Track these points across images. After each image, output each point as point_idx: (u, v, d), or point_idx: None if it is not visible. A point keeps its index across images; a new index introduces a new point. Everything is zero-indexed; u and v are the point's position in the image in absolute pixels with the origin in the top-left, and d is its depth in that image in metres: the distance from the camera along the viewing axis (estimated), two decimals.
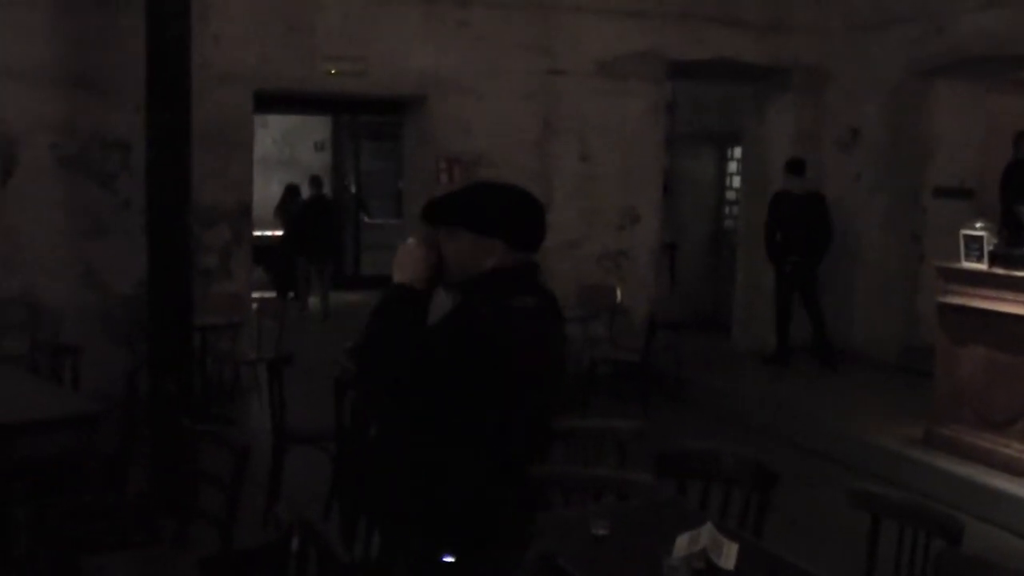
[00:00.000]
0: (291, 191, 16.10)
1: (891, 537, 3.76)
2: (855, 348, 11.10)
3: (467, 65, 10.11)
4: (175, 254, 6.97)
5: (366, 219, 18.03)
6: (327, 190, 16.68)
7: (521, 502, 3.07)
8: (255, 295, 10.35)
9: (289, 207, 15.85)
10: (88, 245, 8.94)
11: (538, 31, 10.38)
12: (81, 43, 8.79)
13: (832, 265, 11.28)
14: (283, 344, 9.19)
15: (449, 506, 2.92)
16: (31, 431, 5.28)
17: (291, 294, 15.27)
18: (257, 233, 12.11)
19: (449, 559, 2.91)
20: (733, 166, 14.03)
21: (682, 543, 3.43)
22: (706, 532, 3.47)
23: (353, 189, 18.26)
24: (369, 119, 17.29)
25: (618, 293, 10.40)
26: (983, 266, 7.28)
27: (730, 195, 14.14)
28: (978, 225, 7.45)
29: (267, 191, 15.70)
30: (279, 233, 15.97)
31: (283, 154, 18.22)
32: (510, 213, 3.07)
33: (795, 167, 10.73)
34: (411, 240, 3.09)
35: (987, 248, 7.25)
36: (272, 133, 17.54)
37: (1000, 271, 7.17)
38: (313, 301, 15.06)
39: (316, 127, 18.34)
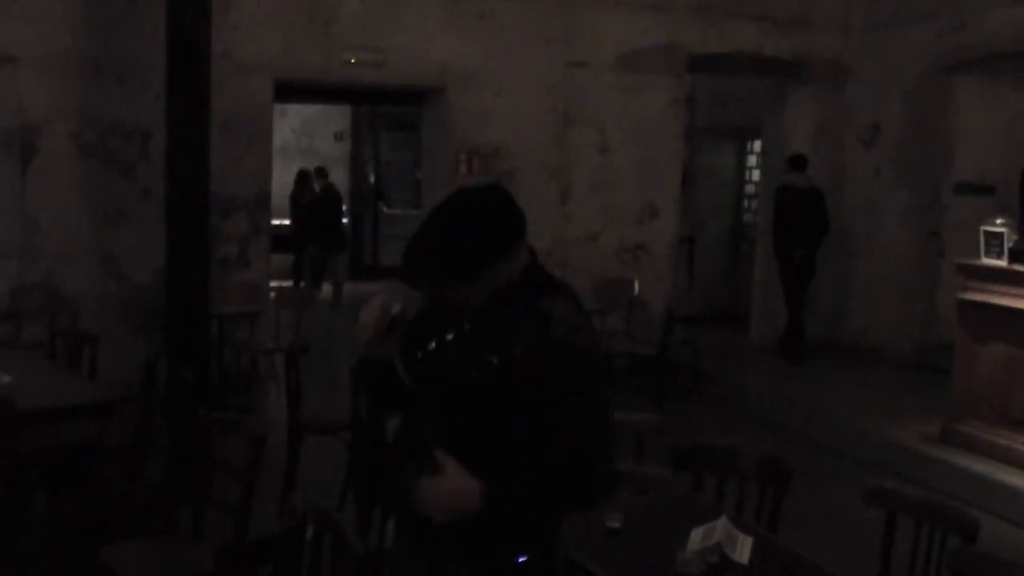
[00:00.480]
0: (302, 177, 16.09)
1: (907, 534, 3.74)
2: (873, 344, 11.07)
3: (487, 57, 10.09)
4: (193, 243, 7.01)
5: (385, 209, 18.04)
6: (345, 180, 16.68)
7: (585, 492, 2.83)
8: (273, 284, 10.36)
9: (300, 196, 15.86)
10: (107, 233, 8.96)
11: (559, 23, 10.36)
12: (101, 31, 8.80)
13: (850, 261, 11.27)
14: (300, 334, 9.21)
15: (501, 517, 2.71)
16: (49, 419, 5.31)
17: (301, 283, 15.31)
18: (275, 223, 12.13)
19: (523, 559, 2.77)
20: (752, 160, 14.00)
21: (696, 537, 3.43)
22: (721, 526, 3.46)
23: (372, 179, 18.26)
24: (389, 109, 17.28)
25: (636, 286, 10.39)
26: (1003, 263, 7.24)
27: (749, 189, 14.11)
28: (998, 221, 7.40)
29: (286, 181, 15.71)
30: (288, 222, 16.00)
31: (302, 144, 18.23)
32: (492, 236, 2.76)
33: (797, 162, 10.86)
34: (377, 301, 2.88)
35: (1007, 245, 7.21)
36: (291, 123, 17.56)
37: (1020, 268, 7.13)
38: (328, 290, 15.14)
39: (335, 117, 18.33)
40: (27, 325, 8.28)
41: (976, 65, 10.21)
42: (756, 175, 13.63)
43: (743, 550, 3.40)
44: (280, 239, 13.03)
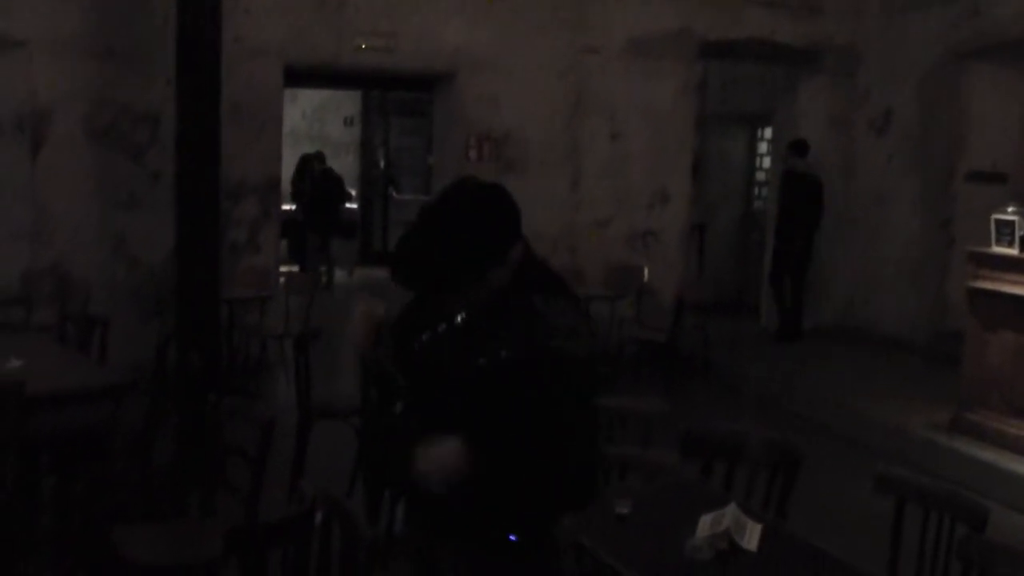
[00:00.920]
0: (304, 162, 16.06)
1: (915, 522, 3.74)
2: (883, 332, 11.05)
3: (498, 43, 10.07)
4: (204, 228, 7.00)
5: (395, 195, 18.02)
6: (355, 165, 16.62)
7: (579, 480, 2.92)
8: (282, 269, 10.38)
9: (301, 181, 15.85)
10: (117, 217, 8.97)
11: (570, 9, 10.34)
12: (112, 15, 8.80)
13: (861, 248, 11.24)
14: (310, 319, 9.21)
15: (503, 498, 2.79)
16: (59, 402, 5.32)
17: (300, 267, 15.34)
18: (286, 208, 12.12)
19: (513, 538, 2.84)
20: (764, 147, 13.96)
21: (705, 523, 3.43)
22: (730, 513, 3.46)
23: (382, 165, 18.25)
24: (399, 95, 17.26)
25: (646, 273, 10.37)
26: (1014, 251, 7.21)
27: (760, 177, 14.08)
28: (1010, 210, 7.37)
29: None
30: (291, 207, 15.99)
31: (312, 129, 18.22)
32: (488, 240, 2.75)
33: (799, 148, 10.99)
34: (361, 308, 2.96)
35: (1019, 233, 7.18)
36: (302, 108, 17.54)
37: None
38: (340, 275, 15.16)
39: (346, 102, 18.31)
40: (37, 309, 8.29)
41: (989, 52, 10.16)
42: (767, 162, 13.61)
43: (752, 537, 3.40)
44: (287, 224, 13.04)
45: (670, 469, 4.22)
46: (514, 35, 10.12)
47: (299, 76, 10.28)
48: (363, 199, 17.81)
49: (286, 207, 15.75)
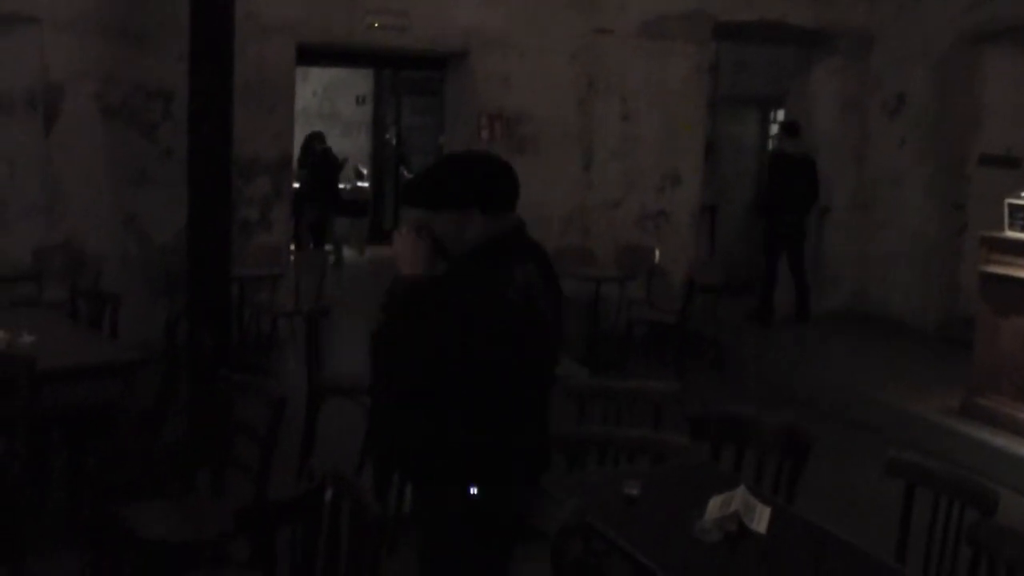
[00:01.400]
0: (309, 141, 16.02)
1: (925, 506, 3.74)
2: (895, 317, 11.03)
3: (511, 22, 10.04)
4: (215, 205, 7.00)
5: (406, 174, 18.01)
6: (366, 144, 16.54)
7: (531, 445, 3.26)
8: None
9: (305, 160, 15.84)
10: (130, 194, 8.98)
11: None
12: None
13: (873, 232, 11.21)
14: (321, 297, 9.23)
15: (462, 449, 3.13)
16: (70, 378, 5.34)
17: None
18: (296, 186, 12.10)
19: (474, 490, 3.12)
20: (775, 129, 13.89)
21: (715, 505, 3.43)
22: (739, 495, 3.46)
23: (394, 144, 18.23)
24: (411, 74, 17.23)
25: (657, 254, 10.36)
26: None
27: None
28: (1023, 194, 7.35)
29: None
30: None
31: (324, 108, 18.20)
32: (475, 180, 3.19)
33: (791, 128, 11.07)
34: (403, 229, 3.20)
35: None
36: (313, 86, 17.51)
37: None
38: (350, 254, 15.16)
39: (357, 81, 18.29)
40: (49, 285, 8.32)
41: (1004, 36, 10.09)
42: None
43: (761, 520, 3.40)
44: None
45: (680, 451, 4.22)
46: (527, 15, 10.09)
47: (311, 54, 10.26)
48: (374, 178, 17.80)
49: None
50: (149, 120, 8.98)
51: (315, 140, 15.24)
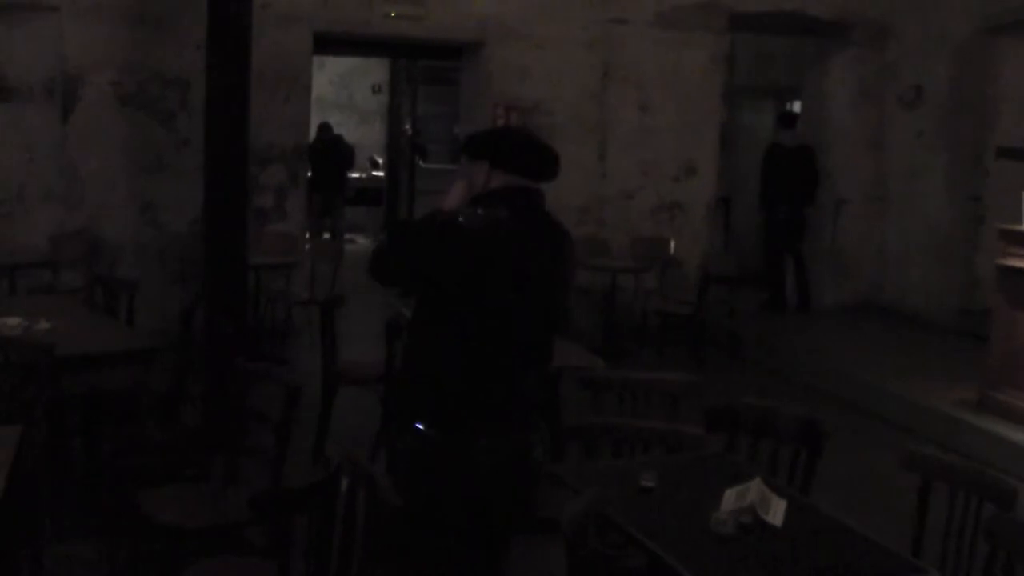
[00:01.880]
0: (321, 130, 16.02)
1: (941, 500, 3.72)
2: (911, 309, 10.99)
3: (527, 12, 10.03)
4: (232, 193, 7.00)
5: (421, 163, 17.99)
6: (382, 133, 16.49)
7: (484, 392, 3.39)
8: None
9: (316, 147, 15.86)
10: (146, 182, 9.01)
11: None
12: None
13: (889, 224, 11.18)
14: (336, 285, 9.23)
15: (421, 384, 3.44)
16: (88, 364, 5.35)
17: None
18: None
19: (419, 426, 3.38)
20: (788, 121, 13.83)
21: (730, 497, 3.43)
22: (755, 487, 3.46)
23: (410, 133, 18.21)
24: (427, 63, 17.18)
25: (672, 245, 10.35)
26: None
27: None
28: None
29: None
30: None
31: (340, 96, 18.20)
32: (494, 140, 3.62)
33: (786, 120, 11.28)
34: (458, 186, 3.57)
35: None
36: (329, 75, 17.50)
37: None
38: (365, 243, 15.18)
39: (373, 70, 18.28)
40: (66, 272, 8.35)
41: (1023, 26, 10.03)
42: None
43: (776, 512, 3.40)
44: None
45: (695, 442, 4.21)
46: (543, 4, 10.08)
47: (328, 43, 10.27)
48: (390, 168, 17.79)
49: None
50: (166, 108, 9.02)
51: (320, 130, 15.27)
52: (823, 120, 11.55)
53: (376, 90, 18.55)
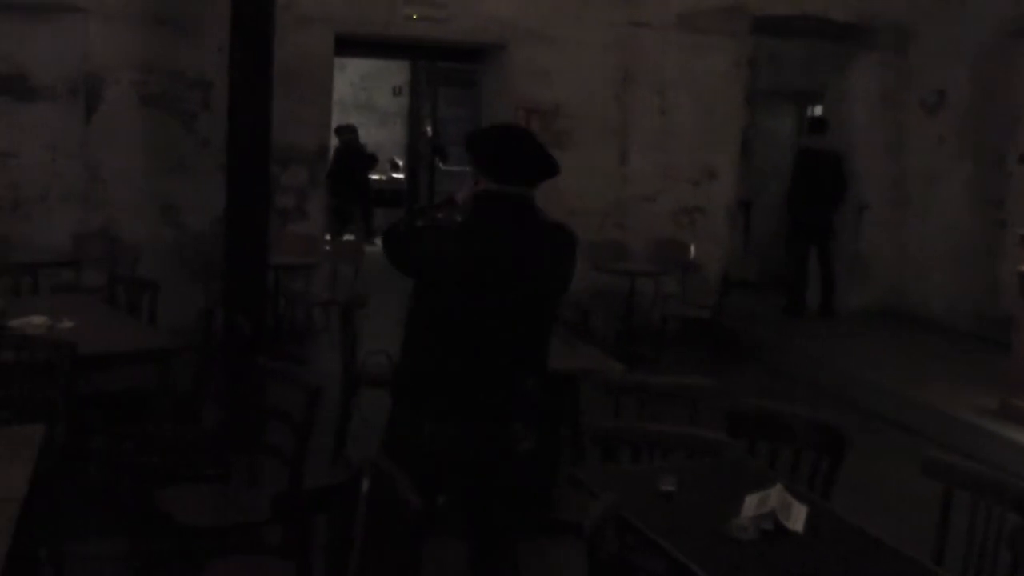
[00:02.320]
0: (339, 132, 16.02)
1: (964, 509, 3.70)
2: (932, 315, 10.95)
3: (549, 14, 10.03)
4: (253, 194, 7.04)
5: (441, 165, 18.01)
6: (402, 135, 16.49)
7: (446, 379, 3.62)
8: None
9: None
10: (168, 182, 9.05)
11: None
12: None
13: (910, 229, 11.13)
14: (357, 287, 9.24)
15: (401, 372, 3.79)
16: (108, 363, 5.38)
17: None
18: None
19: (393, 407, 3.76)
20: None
21: (751, 503, 3.42)
22: (776, 493, 3.45)
23: (429, 135, 18.23)
24: (448, 65, 17.19)
25: (692, 249, 10.33)
26: None
27: None
28: None
29: None
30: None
31: (360, 98, 18.25)
32: (488, 151, 3.70)
33: (817, 125, 11.25)
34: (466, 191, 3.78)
35: None
36: (350, 76, 17.56)
37: None
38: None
39: (394, 72, 18.33)
40: (87, 271, 8.39)
41: None
42: None
43: (797, 518, 3.39)
44: None
45: (716, 447, 4.20)
46: (564, 8, 10.07)
47: (349, 44, 10.29)
48: (410, 169, 17.81)
49: None
50: (188, 109, 9.06)
51: (340, 132, 15.29)
52: (845, 124, 11.50)
53: (396, 92, 18.59)
